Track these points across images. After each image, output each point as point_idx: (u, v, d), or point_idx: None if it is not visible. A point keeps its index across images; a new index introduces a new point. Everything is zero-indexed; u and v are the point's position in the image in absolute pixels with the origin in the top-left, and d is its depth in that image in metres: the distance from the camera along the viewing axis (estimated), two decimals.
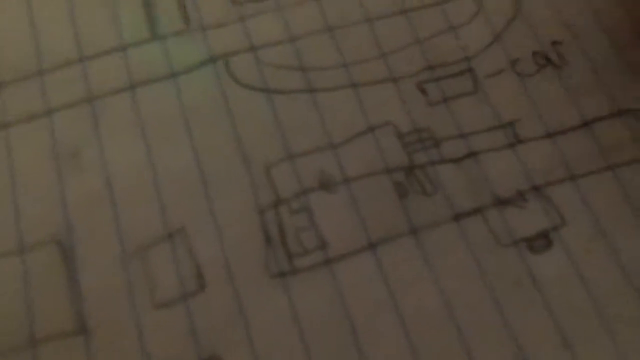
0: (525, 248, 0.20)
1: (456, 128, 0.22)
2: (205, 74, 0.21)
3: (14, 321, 0.18)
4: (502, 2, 0.24)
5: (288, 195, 0.20)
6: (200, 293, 0.19)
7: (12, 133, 0.21)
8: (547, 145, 0.21)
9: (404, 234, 0.20)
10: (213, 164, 0.20)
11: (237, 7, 0.23)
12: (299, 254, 0.19)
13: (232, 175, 0.20)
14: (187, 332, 0.18)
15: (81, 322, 0.18)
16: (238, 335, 0.18)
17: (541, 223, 0.20)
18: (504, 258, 0.20)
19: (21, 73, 0.21)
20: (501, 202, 0.21)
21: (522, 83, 0.22)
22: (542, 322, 0.19)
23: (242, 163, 0.20)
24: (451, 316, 0.19)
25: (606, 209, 0.20)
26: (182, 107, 0.21)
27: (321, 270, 0.19)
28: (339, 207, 0.20)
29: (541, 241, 0.20)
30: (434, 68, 0.23)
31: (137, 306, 0.18)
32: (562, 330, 0.19)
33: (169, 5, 0.22)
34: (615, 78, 0.23)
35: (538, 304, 0.19)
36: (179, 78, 0.21)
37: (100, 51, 0.22)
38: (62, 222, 0.19)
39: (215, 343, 0.18)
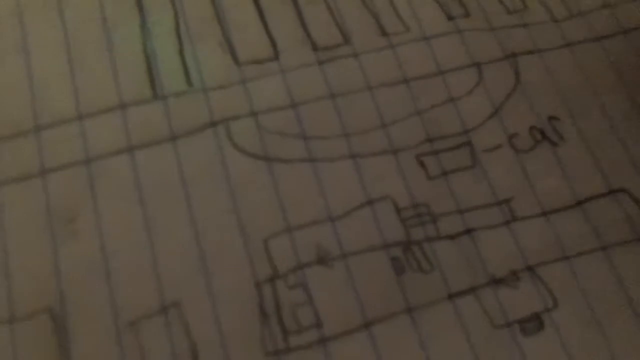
0: (518, 330, 0.20)
1: (454, 204, 0.22)
2: (206, 138, 0.21)
3: None
4: (503, 72, 0.24)
5: (285, 269, 0.20)
6: None
7: (5, 192, 0.20)
8: (542, 224, 0.22)
9: (400, 313, 0.20)
10: (211, 235, 0.20)
11: (240, 69, 0.22)
12: (294, 331, 0.19)
13: (230, 248, 0.20)
14: None
15: None
16: None
17: (534, 304, 0.21)
18: (498, 340, 0.20)
19: (16, 129, 0.21)
20: (495, 282, 0.21)
21: (519, 159, 0.23)
22: None
23: (240, 235, 0.20)
24: None
25: (598, 292, 0.21)
26: (181, 172, 0.21)
27: (316, 349, 0.19)
28: (335, 283, 0.20)
29: (533, 323, 0.21)
30: (433, 140, 0.23)
31: None
32: None
33: (171, 64, 0.22)
34: (610, 156, 0.23)
35: None
36: (179, 141, 0.21)
37: (100, 109, 0.21)
38: (55, 291, 0.19)
39: None
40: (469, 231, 0.21)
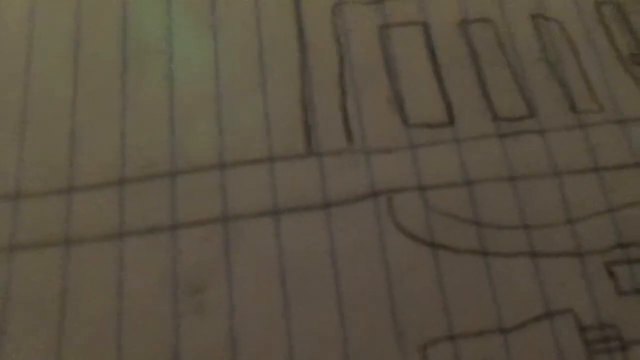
0: None
1: None
2: (364, 210, 0.18)
3: None
4: None
5: None
6: None
7: (128, 245, 0.17)
8: None
9: None
10: (359, 331, 0.16)
11: (409, 131, 0.19)
12: None
13: (379, 349, 0.17)
14: None
15: None
16: None
17: None
18: None
19: (149, 170, 0.18)
20: None
21: None
22: None
23: (394, 335, 0.17)
24: None
25: None
26: (331, 248, 0.17)
27: None
28: None
29: None
30: (626, 247, 0.19)
31: None
32: None
33: (330, 117, 0.19)
34: None
35: None
36: (333, 209, 0.18)
37: (245, 160, 0.18)
38: None
39: None
40: None
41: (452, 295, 0.17)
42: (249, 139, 0.18)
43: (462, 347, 0.17)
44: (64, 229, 0.17)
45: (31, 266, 0.17)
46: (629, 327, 0.18)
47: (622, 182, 0.20)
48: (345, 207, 0.18)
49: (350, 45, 0.20)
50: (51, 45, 0.20)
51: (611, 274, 0.19)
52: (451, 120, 0.20)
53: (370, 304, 0.17)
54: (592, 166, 0.20)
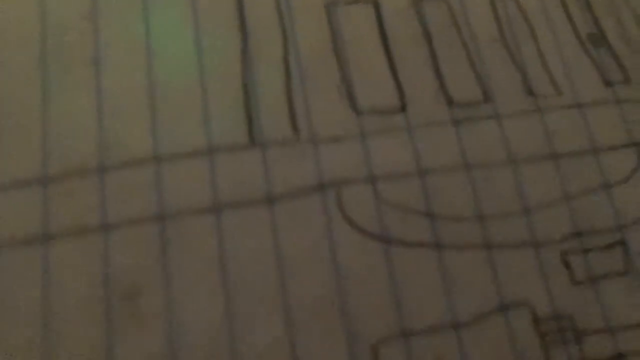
0: None
1: (602, 319, 0.18)
2: (311, 204, 0.17)
3: None
4: None
5: None
6: None
7: (55, 249, 0.15)
8: None
9: None
10: (309, 338, 0.15)
11: (359, 119, 0.18)
12: None
13: (329, 352, 0.16)
14: None
15: None
16: None
17: None
18: None
19: (78, 166, 0.16)
20: None
21: None
22: None
23: (344, 334, 0.16)
24: None
25: None
26: (277, 246, 0.16)
27: None
28: None
29: None
30: (581, 235, 0.19)
31: None
32: None
33: (275, 105, 0.17)
34: None
35: None
36: (278, 204, 0.17)
37: (183, 152, 0.17)
38: None
39: None
40: (619, 357, 0.17)
41: (405, 291, 0.17)
42: (187, 128, 0.17)
43: (414, 344, 0.16)
44: None
45: None
46: (583, 316, 0.18)
47: (579, 170, 0.19)
48: (292, 202, 0.17)
49: (294, 26, 0.19)
50: None
51: (566, 264, 0.18)
52: (403, 107, 0.18)
53: (319, 305, 0.16)
54: (548, 153, 0.19)
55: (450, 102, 0.19)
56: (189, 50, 0.18)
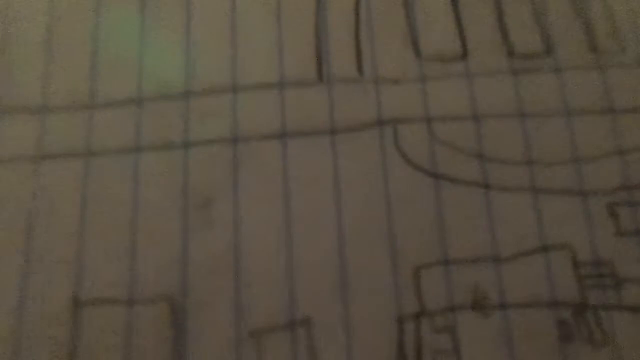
0: None
1: None
2: (370, 138, 0.18)
3: None
4: None
5: (434, 307, 0.17)
6: None
7: (144, 160, 0.18)
8: None
9: None
10: (357, 253, 0.17)
11: (420, 63, 0.19)
12: None
13: (375, 269, 0.17)
14: None
15: None
16: None
17: None
18: None
19: (165, 90, 0.19)
20: None
21: None
22: None
23: (390, 257, 0.18)
24: None
25: None
26: (335, 172, 0.18)
27: None
28: (488, 336, 0.17)
29: None
30: (631, 189, 0.19)
31: None
32: None
33: (343, 46, 0.19)
34: None
35: None
36: (339, 136, 0.18)
37: (257, 84, 0.19)
38: (179, 281, 0.17)
39: None
40: None
41: (450, 223, 0.18)
42: (262, 64, 0.19)
43: (454, 272, 0.18)
44: (86, 142, 0.18)
45: (54, 176, 0.18)
46: (625, 265, 0.18)
47: (635, 125, 0.19)
48: (352, 134, 0.18)
49: None
50: None
51: (612, 215, 0.19)
52: (465, 55, 0.20)
53: (369, 226, 0.18)
54: (606, 108, 0.20)
55: (511, 52, 0.20)
56: None
